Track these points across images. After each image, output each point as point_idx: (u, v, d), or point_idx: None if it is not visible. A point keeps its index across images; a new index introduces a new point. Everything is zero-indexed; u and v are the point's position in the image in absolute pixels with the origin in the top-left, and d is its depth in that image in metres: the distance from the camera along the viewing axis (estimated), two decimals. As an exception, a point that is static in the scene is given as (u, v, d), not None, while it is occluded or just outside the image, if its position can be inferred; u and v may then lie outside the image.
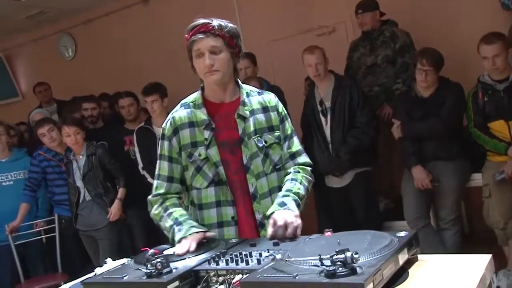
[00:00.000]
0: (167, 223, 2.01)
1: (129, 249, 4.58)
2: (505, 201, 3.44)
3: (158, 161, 2.12)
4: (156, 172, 2.12)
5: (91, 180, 4.20)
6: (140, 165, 4.38)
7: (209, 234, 1.94)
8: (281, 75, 5.25)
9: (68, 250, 4.63)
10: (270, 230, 1.81)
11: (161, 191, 2.08)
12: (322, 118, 3.95)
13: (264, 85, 4.40)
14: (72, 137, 4.15)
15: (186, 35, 2.01)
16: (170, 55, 5.86)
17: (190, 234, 1.89)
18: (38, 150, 4.63)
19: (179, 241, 1.88)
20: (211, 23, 1.96)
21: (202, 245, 1.84)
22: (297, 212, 1.91)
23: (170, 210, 2.04)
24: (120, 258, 3.98)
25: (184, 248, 1.79)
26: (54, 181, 4.61)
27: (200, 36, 1.95)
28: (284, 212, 1.87)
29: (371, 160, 3.96)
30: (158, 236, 4.49)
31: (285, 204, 1.93)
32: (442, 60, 3.67)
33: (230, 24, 2.02)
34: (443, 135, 3.63)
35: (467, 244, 3.81)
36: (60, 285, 4.24)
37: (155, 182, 2.12)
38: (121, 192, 4.23)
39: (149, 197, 2.13)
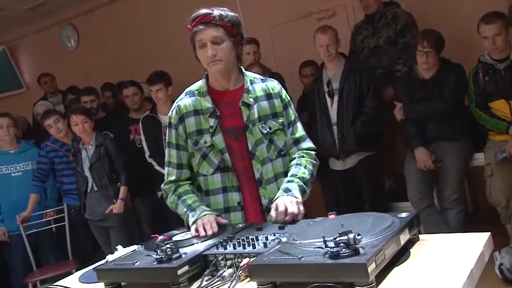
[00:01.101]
0: (182, 210, 2.10)
1: (137, 236, 4.66)
2: (507, 179, 3.48)
3: (166, 149, 2.18)
4: (166, 159, 2.19)
5: (98, 170, 4.25)
6: (147, 153, 4.43)
7: (221, 220, 2.00)
8: (282, 61, 5.26)
9: (78, 238, 4.71)
10: (273, 214, 1.89)
11: (172, 178, 2.15)
12: (328, 99, 3.94)
13: (266, 73, 4.44)
14: (80, 126, 4.19)
15: (188, 26, 2.05)
16: (173, 43, 5.86)
17: (203, 216, 1.96)
18: (46, 141, 4.68)
19: (194, 223, 1.95)
20: (212, 13, 1.99)
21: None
22: (300, 198, 1.96)
23: (184, 197, 2.11)
24: (130, 245, 4.07)
25: (205, 229, 1.88)
26: (63, 171, 4.67)
27: (202, 27, 1.99)
28: (287, 198, 1.93)
29: (376, 144, 3.95)
30: (166, 222, 4.59)
31: (290, 190, 1.98)
32: (442, 41, 3.68)
33: (231, 13, 2.04)
34: (445, 116, 3.65)
35: (471, 223, 3.85)
36: (72, 272, 4.35)
37: (166, 169, 2.19)
38: (122, 191, 4.25)
39: (162, 185, 2.20)
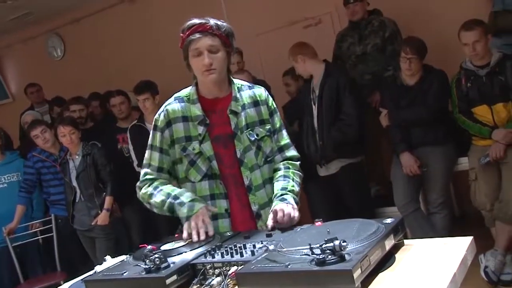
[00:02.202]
0: (157, 198, 2.09)
1: (126, 245, 4.65)
2: (491, 183, 3.53)
3: (148, 151, 2.17)
4: (145, 161, 2.18)
5: (84, 180, 4.24)
6: (135, 162, 4.43)
7: (211, 208, 2.03)
8: (269, 68, 5.29)
9: (66, 249, 4.68)
10: (269, 223, 1.92)
11: (150, 177, 2.15)
12: (313, 106, 3.99)
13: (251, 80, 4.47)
14: (68, 137, 4.19)
15: (181, 34, 2.06)
16: (160, 53, 5.90)
17: (197, 211, 1.97)
18: (32, 151, 4.67)
19: (187, 218, 1.96)
20: (208, 23, 2.02)
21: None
22: (296, 206, 2.01)
23: (160, 187, 2.11)
24: (118, 255, 4.05)
25: (199, 232, 1.90)
26: (49, 182, 4.65)
27: (198, 35, 2.00)
28: (284, 204, 1.97)
29: (357, 152, 3.95)
30: (155, 231, 4.59)
31: (286, 200, 2.02)
32: (425, 48, 3.75)
33: (226, 24, 2.07)
34: (429, 121, 3.70)
35: (457, 226, 3.89)
36: (60, 284, 4.32)
37: (143, 170, 2.18)
38: (107, 201, 4.23)
39: (137, 183, 2.19)
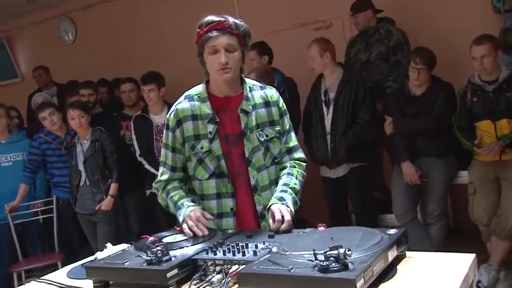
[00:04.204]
0: (171, 207, 2.17)
1: (125, 232, 4.70)
2: (490, 198, 3.57)
3: (163, 149, 2.23)
4: (161, 159, 2.23)
5: (91, 165, 4.28)
6: (137, 152, 4.47)
7: (206, 214, 2.05)
8: (277, 67, 5.30)
9: (65, 231, 4.74)
10: (270, 223, 1.95)
11: (164, 177, 2.20)
12: (324, 108, 4.00)
13: (279, 77, 4.48)
14: (77, 120, 4.22)
15: (198, 30, 2.06)
16: (169, 44, 5.92)
17: (189, 212, 2.01)
18: (39, 133, 4.71)
19: (183, 222, 2.02)
20: (227, 21, 2.02)
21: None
22: (292, 209, 2.02)
23: (171, 194, 2.16)
24: (118, 241, 4.10)
25: (199, 228, 1.94)
26: (54, 164, 4.69)
27: (216, 33, 2.01)
28: (282, 206, 1.99)
29: (368, 156, 4.01)
30: (153, 220, 4.64)
31: (284, 200, 2.04)
32: (434, 59, 3.77)
33: (243, 23, 2.08)
34: (433, 133, 3.73)
35: (452, 238, 3.94)
36: (57, 265, 4.39)
37: (160, 169, 2.24)
38: (113, 188, 4.27)
39: (154, 183, 2.26)
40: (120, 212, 4.53)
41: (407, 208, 3.82)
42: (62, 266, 4.31)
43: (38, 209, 4.78)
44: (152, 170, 4.33)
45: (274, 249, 1.57)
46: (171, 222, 2.22)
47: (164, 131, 2.22)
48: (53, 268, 4.44)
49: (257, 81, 2.32)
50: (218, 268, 1.64)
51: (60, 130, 4.65)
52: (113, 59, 6.39)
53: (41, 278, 2.00)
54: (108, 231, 4.29)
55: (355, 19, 4.43)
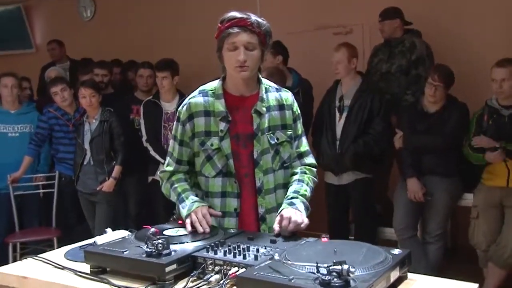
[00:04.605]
0: (173, 198, 2.16)
1: (123, 215, 4.71)
2: (491, 225, 3.56)
3: (171, 140, 2.22)
4: (169, 149, 2.23)
5: (97, 145, 4.28)
6: (144, 137, 4.47)
7: (213, 211, 2.05)
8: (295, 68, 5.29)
9: (64, 207, 4.74)
10: (275, 227, 1.93)
11: (170, 168, 2.20)
12: (337, 114, 3.98)
13: (295, 77, 4.46)
14: (87, 99, 4.22)
15: (219, 25, 2.04)
16: (188, 32, 5.90)
17: (195, 208, 2.00)
18: (48, 107, 4.71)
19: (187, 216, 2.00)
20: (249, 19, 2.00)
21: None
22: (304, 213, 2.01)
23: (175, 185, 2.15)
24: (115, 224, 4.10)
25: (201, 225, 1.94)
26: (60, 139, 4.69)
27: (237, 30, 1.99)
28: (292, 210, 1.97)
29: (374, 168, 3.98)
30: (152, 207, 4.65)
31: (294, 204, 2.03)
32: (453, 78, 3.76)
33: (266, 22, 2.06)
34: (442, 151, 3.72)
35: (449, 259, 3.94)
36: (53, 240, 4.40)
37: (167, 159, 2.23)
38: (116, 170, 4.27)
39: (159, 172, 2.26)
40: (120, 195, 4.53)
41: (407, 224, 3.81)
42: (58, 242, 4.37)
43: (40, 183, 4.79)
44: (157, 157, 4.33)
45: (276, 256, 1.55)
46: (169, 209, 2.20)
47: (175, 122, 2.20)
48: (48, 242, 4.49)
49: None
50: (217, 268, 1.63)
51: (70, 107, 4.65)
52: (129, 41, 6.36)
53: (38, 256, 1.99)
54: (106, 212, 4.30)
55: (381, 25, 4.40)
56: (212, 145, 2.10)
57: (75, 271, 1.81)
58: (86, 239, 2.19)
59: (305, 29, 5.36)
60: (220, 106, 2.10)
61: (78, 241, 2.18)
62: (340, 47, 3.97)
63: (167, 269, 1.60)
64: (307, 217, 2.01)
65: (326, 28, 5.30)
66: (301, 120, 2.26)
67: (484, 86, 3.79)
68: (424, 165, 3.79)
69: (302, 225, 1.92)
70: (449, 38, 4.61)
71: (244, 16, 2.01)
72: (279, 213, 1.99)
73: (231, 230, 1.97)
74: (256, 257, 1.63)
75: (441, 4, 4.69)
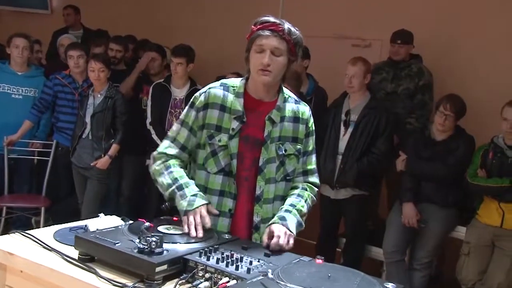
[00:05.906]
0: (165, 180, 2.06)
1: (115, 194, 4.67)
2: (481, 263, 3.55)
3: (177, 125, 2.14)
4: (172, 134, 2.14)
5: (98, 121, 4.23)
6: (148, 120, 4.44)
7: (212, 210, 2.01)
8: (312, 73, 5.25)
9: (56, 177, 4.70)
10: (264, 239, 1.92)
11: (172, 151, 2.11)
12: (342, 128, 3.93)
13: (311, 84, 4.42)
14: (96, 73, 4.18)
15: (252, 26, 2.04)
16: (208, 20, 5.83)
17: (196, 208, 1.95)
18: (56, 74, 4.64)
19: (185, 213, 1.95)
20: (282, 25, 2.00)
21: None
22: (294, 232, 1.98)
23: (171, 169, 2.08)
24: (104, 202, 4.03)
25: (196, 230, 1.88)
26: (62, 108, 4.62)
27: (268, 33, 1.98)
28: (282, 228, 1.95)
29: (373, 186, 3.97)
30: (144, 189, 4.61)
31: (286, 220, 2.00)
32: (464, 109, 3.74)
33: (298, 32, 2.05)
34: (444, 181, 3.71)
35: (431, 286, 3.92)
36: (40, 209, 4.36)
37: (167, 142, 2.14)
38: (113, 148, 4.22)
39: (154, 152, 2.16)
40: (115, 174, 4.49)
41: (397, 248, 3.80)
42: (46, 212, 4.33)
43: (36, 149, 4.74)
44: (158, 141, 4.28)
45: (270, 274, 1.53)
46: (162, 197, 2.14)
47: (187, 108, 2.15)
48: (36, 211, 4.45)
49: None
50: (207, 275, 1.61)
51: (80, 75, 4.58)
52: (147, 19, 6.26)
53: (26, 232, 1.96)
54: (97, 189, 4.27)
55: (398, 48, 4.35)
56: (220, 141, 2.08)
57: (63, 255, 1.78)
58: (73, 212, 2.15)
59: (324, 35, 5.31)
60: (238, 105, 2.08)
61: (64, 214, 2.14)
62: (357, 61, 3.92)
63: (158, 269, 1.58)
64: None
65: (345, 38, 5.26)
66: (314, 136, 2.24)
67: (490, 120, 3.77)
68: (423, 192, 3.77)
69: (286, 248, 1.89)
70: (461, 72, 4.62)
71: (277, 21, 2.01)
72: (268, 225, 1.98)
73: (225, 235, 1.94)
74: (248, 270, 1.60)
75: (454, 40, 4.68)
